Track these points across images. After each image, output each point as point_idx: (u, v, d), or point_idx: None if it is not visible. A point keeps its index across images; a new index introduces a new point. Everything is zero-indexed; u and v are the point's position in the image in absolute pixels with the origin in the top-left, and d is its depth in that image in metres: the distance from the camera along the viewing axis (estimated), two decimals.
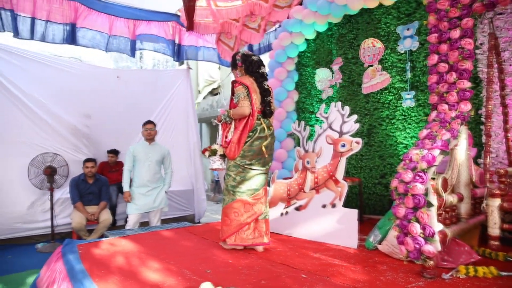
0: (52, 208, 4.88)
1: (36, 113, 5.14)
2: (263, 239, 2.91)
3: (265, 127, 2.92)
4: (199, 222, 6.15)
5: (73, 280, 2.41)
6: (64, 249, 2.98)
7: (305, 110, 4.97)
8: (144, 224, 4.66)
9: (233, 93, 2.98)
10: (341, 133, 3.14)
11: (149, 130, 4.46)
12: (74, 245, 3.09)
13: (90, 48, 5.17)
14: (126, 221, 5.66)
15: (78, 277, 2.39)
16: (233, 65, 3.12)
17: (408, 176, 2.27)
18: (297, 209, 3.35)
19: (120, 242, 3.22)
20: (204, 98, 10.17)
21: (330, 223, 3.06)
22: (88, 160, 4.81)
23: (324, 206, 3.14)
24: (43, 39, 4.74)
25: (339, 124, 3.16)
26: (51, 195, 4.88)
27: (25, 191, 4.98)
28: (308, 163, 3.32)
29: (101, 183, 4.86)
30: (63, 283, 2.57)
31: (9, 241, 4.96)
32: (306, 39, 4.75)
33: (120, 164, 5.93)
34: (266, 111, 2.96)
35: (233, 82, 2.98)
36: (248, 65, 3.00)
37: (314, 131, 3.42)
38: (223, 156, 3.03)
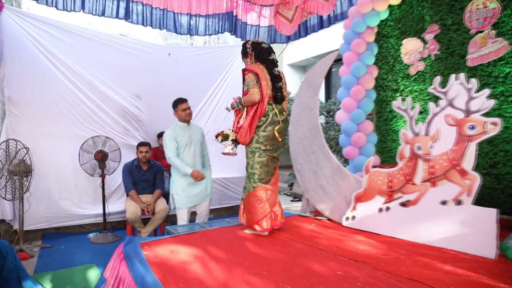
0: (104, 196, 4.52)
1: (85, 93, 4.77)
2: (282, 219, 3.02)
3: (277, 113, 2.95)
4: None
5: None
6: (127, 250, 2.53)
7: (386, 88, 4.30)
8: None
9: (244, 81, 3.00)
10: (467, 112, 2.48)
11: (189, 109, 3.91)
12: (137, 244, 2.63)
13: (142, 26, 4.69)
14: None
15: None
16: (244, 54, 3.17)
17: None
18: (404, 204, 2.75)
19: (188, 241, 2.74)
20: None
21: (454, 224, 2.44)
22: (142, 144, 4.37)
23: (444, 203, 2.51)
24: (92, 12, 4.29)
25: (465, 100, 2.50)
26: (103, 182, 4.52)
27: (77, 177, 4.66)
28: (419, 148, 2.69)
29: (155, 169, 4.43)
30: None
31: (61, 230, 4.68)
32: (389, 5, 4.04)
33: None
34: (277, 97, 3.00)
35: (243, 70, 3.00)
36: (259, 52, 3.04)
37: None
38: (235, 142, 3.11)
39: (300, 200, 7.94)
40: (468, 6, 3.43)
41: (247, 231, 2.99)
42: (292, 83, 9.00)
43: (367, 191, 3.02)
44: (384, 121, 4.35)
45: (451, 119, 2.53)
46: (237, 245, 2.65)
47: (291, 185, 8.86)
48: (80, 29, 4.85)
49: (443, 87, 2.65)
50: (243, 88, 3.01)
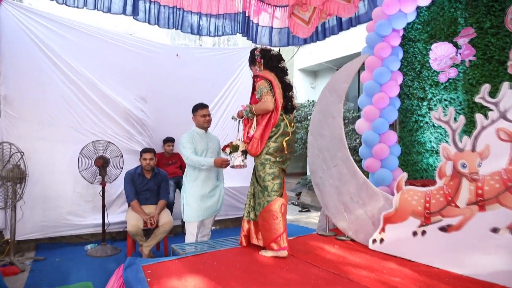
0: (103, 206, 4.19)
1: (87, 94, 4.46)
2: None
3: (288, 123, 2.83)
4: None
5: None
6: (127, 275, 2.21)
7: (411, 96, 3.97)
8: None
9: (254, 89, 2.90)
10: None
11: (208, 116, 3.62)
12: (139, 267, 2.31)
13: (148, 24, 4.40)
14: (182, 223, 4.91)
15: None
16: (252, 61, 3.05)
17: None
18: (444, 229, 2.41)
19: (197, 265, 2.41)
20: None
21: (510, 256, 2.10)
22: (146, 150, 4.04)
23: (495, 231, 2.18)
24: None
25: None
26: (103, 190, 4.19)
27: (75, 184, 4.34)
28: (463, 166, 2.36)
29: (160, 178, 4.10)
30: None
31: (57, 240, 4.36)
32: (417, 7, 3.73)
33: (177, 156, 5.20)
34: (288, 107, 2.89)
35: (255, 77, 2.88)
36: (268, 59, 2.93)
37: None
38: (245, 153, 2.95)
39: (308, 210, 7.61)
40: (511, 7, 3.12)
41: (264, 254, 2.68)
42: (303, 88, 8.69)
43: (399, 211, 2.68)
44: (408, 131, 4.03)
45: (505, 134, 2.20)
46: (254, 272, 2.32)
47: (298, 194, 8.53)
48: (83, 25, 4.55)
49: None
50: (255, 96, 2.87)
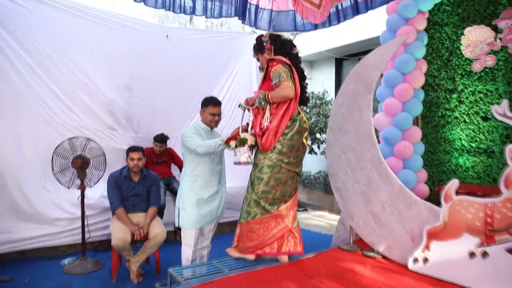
0: (83, 214, 3.59)
1: (60, 81, 3.82)
2: (298, 247, 2.59)
3: (304, 117, 2.58)
4: None
5: None
6: None
7: (438, 87, 3.52)
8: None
9: (266, 75, 2.61)
10: None
11: (218, 116, 3.06)
12: None
13: (134, 1, 3.77)
14: (175, 230, 4.37)
15: None
16: (259, 49, 2.75)
17: None
18: None
19: None
20: None
21: None
22: (133, 149, 3.45)
23: None
24: None
25: None
26: (82, 196, 3.59)
27: (49, 188, 3.72)
28: None
29: (150, 181, 3.52)
30: None
31: (27, 254, 3.73)
32: None
33: (168, 154, 4.61)
34: (303, 98, 2.67)
35: (270, 61, 2.59)
36: (280, 45, 2.68)
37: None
38: (252, 148, 2.62)
39: (305, 209, 7.16)
40: None
41: (231, 253, 2.64)
42: None
43: (449, 226, 2.22)
44: (433, 127, 3.59)
45: None
46: None
47: None
48: None
49: None
50: (269, 83, 2.56)
